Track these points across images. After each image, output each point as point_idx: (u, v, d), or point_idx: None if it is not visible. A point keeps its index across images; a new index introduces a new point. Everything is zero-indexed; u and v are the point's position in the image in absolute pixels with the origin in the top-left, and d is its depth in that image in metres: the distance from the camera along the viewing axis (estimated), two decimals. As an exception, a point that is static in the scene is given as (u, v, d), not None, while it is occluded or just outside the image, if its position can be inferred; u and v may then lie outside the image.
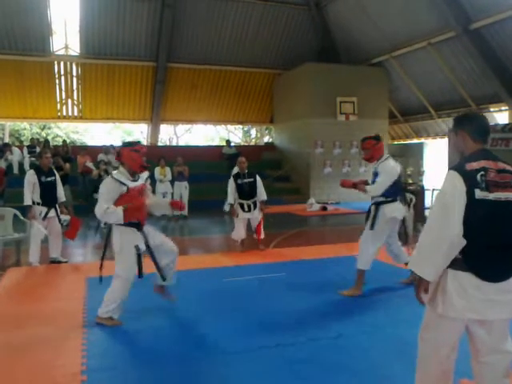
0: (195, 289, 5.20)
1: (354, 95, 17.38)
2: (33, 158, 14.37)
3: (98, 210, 4.15)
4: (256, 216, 7.79)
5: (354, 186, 5.36)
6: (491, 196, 2.25)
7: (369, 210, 5.29)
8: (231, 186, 7.83)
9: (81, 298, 5.23)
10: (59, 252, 7.16)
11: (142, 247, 4.31)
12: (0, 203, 11.83)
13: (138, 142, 4.59)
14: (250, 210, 7.74)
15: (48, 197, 6.94)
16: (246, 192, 7.75)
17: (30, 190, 6.82)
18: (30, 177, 6.90)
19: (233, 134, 32.39)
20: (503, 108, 15.79)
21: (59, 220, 7.11)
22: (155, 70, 18.26)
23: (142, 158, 4.34)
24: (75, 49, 17.63)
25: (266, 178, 17.26)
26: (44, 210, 6.88)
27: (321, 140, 17.46)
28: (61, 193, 7.18)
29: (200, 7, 17.23)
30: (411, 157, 17.73)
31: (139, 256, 4.29)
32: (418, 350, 2.53)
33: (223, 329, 4.27)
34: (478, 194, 2.24)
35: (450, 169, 2.36)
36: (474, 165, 2.30)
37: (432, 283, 2.36)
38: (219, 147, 20.24)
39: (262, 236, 7.87)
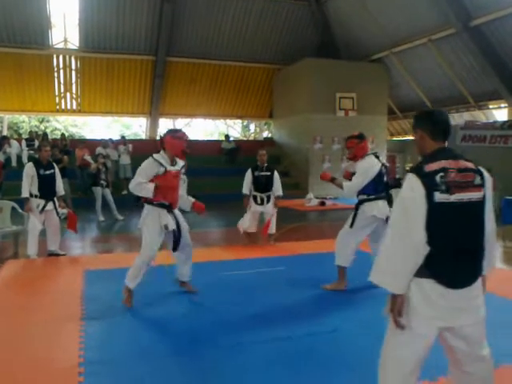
0: (193, 282, 5.21)
1: (353, 91, 17.37)
2: (31, 151, 14.36)
3: (132, 183, 4.57)
4: (268, 210, 7.73)
5: (332, 180, 5.36)
6: (452, 198, 2.13)
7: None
8: (248, 177, 7.80)
9: (79, 290, 5.25)
10: (57, 245, 7.17)
11: (171, 226, 4.62)
12: (-2, 196, 11.83)
13: (181, 130, 4.87)
14: (262, 203, 7.71)
15: (46, 190, 6.93)
16: (262, 185, 7.72)
17: (28, 183, 6.82)
18: (29, 169, 6.89)
19: (232, 128, 32.35)
20: (502, 105, 15.80)
21: (57, 213, 7.11)
22: (154, 64, 18.22)
23: (183, 145, 4.65)
24: (74, 42, 17.59)
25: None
26: (42, 202, 6.87)
27: (320, 135, 17.45)
28: (60, 186, 7.18)
29: (200, 1, 17.17)
30: (410, 153, 17.76)
31: (174, 234, 4.68)
32: (379, 367, 2.39)
33: (220, 322, 4.28)
34: (438, 197, 2.12)
35: (408, 171, 2.25)
36: (434, 166, 2.17)
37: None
38: (218, 142, 20.22)
39: (272, 231, 7.80)
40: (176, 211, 4.81)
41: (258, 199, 7.71)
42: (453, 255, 2.16)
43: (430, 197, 2.12)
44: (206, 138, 30.75)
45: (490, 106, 16.31)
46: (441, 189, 2.12)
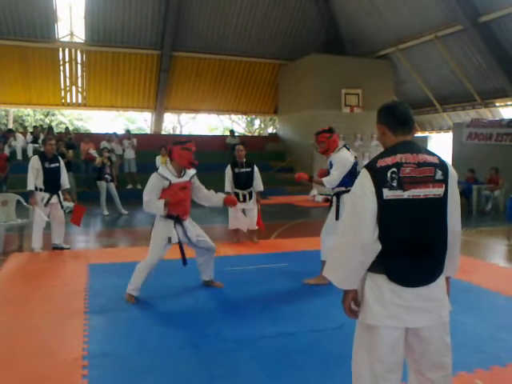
0: (197, 277, 5.21)
1: (359, 87, 17.31)
2: (36, 145, 14.41)
3: (144, 202, 4.64)
4: (251, 207, 7.63)
5: (311, 179, 5.39)
6: (406, 194, 2.04)
7: (331, 202, 5.32)
8: (228, 174, 7.68)
9: (83, 284, 5.26)
10: (62, 238, 7.19)
11: (174, 240, 4.68)
12: (3, 189, 11.90)
13: (189, 142, 4.82)
14: (245, 200, 7.60)
15: (51, 183, 6.94)
16: (243, 182, 7.62)
17: (34, 176, 6.83)
18: (34, 162, 6.91)
19: (236, 123, 32.32)
20: (509, 103, 15.70)
21: (62, 206, 7.12)
22: (160, 59, 18.20)
23: (191, 156, 4.70)
24: (80, 36, 17.58)
25: (271, 169, 17.26)
26: (46, 196, 6.89)
27: (325, 132, 17.39)
28: (65, 179, 7.19)
29: (206, -4, 17.13)
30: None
31: (180, 246, 4.72)
32: (352, 370, 2.30)
33: (224, 317, 4.29)
34: (387, 193, 2.03)
35: (363, 166, 2.17)
36: (388, 160, 2.08)
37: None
38: (223, 137, 20.22)
39: (254, 227, 7.65)
40: (186, 222, 4.80)
41: (240, 196, 7.57)
42: (405, 252, 2.08)
43: (378, 194, 2.04)
44: (210, 133, 30.74)
45: (497, 104, 16.22)
46: (390, 185, 2.04)
